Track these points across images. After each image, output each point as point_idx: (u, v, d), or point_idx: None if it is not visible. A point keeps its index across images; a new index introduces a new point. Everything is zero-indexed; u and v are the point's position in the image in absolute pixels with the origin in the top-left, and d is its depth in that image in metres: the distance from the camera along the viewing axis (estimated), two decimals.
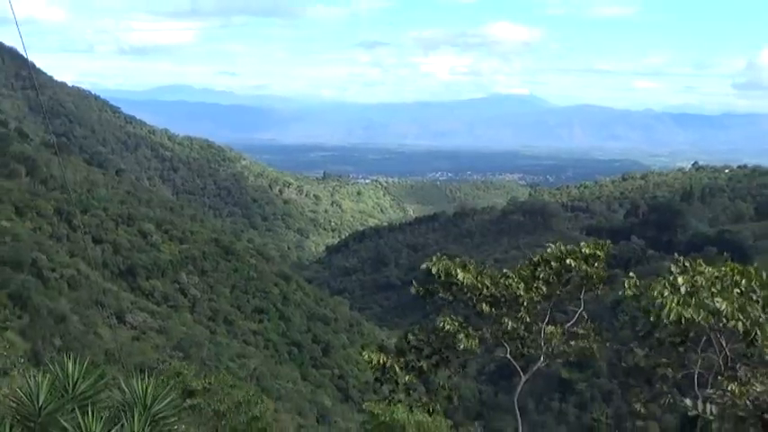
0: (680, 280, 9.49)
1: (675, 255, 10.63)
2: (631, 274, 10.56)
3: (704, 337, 9.53)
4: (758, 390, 7.97)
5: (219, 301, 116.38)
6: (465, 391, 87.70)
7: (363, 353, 12.65)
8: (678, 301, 9.05)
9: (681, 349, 10.26)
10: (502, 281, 12.26)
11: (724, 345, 9.49)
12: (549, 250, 12.42)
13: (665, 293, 9.24)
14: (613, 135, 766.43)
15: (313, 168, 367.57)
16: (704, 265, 10.21)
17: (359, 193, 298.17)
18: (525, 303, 12.22)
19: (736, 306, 9.09)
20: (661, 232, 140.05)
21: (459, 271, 12.02)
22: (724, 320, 9.07)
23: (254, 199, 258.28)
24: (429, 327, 12.89)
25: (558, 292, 12.58)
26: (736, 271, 9.98)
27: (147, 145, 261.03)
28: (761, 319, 9.34)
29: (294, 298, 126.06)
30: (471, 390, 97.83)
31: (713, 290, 9.52)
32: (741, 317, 8.96)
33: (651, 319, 9.33)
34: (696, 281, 9.62)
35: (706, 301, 9.17)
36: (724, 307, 9.00)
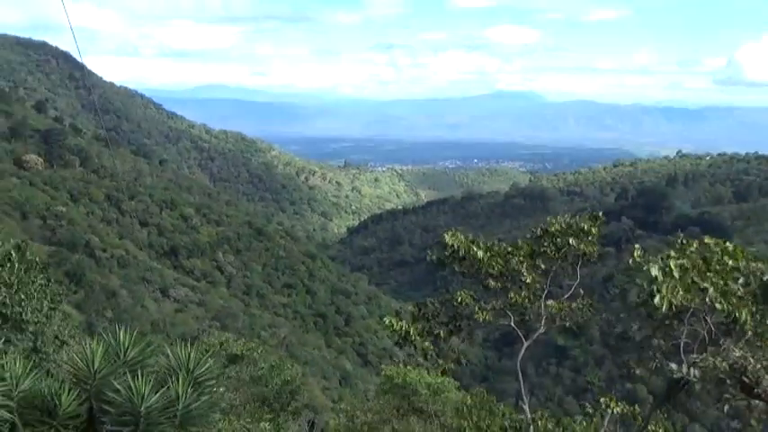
0: (672, 264, 9.35)
1: (679, 232, 10.44)
2: (637, 245, 10.35)
3: (691, 310, 9.43)
4: (737, 354, 7.93)
5: (252, 277, 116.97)
6: (472, 357, 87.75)
7: (385, 319, 12.58)
8: (669, 287, 8.91)
9: (669, 323, 10.14)
10: (509, 257, 12.16)
11: (709, 321, 9.39)
12: (552, 222, 12.25)
13: (658, 278, 9.11)
14: (605, 127, 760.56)
15: (335, 158, 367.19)
16: (695, 245, 10.05)
17: (376, 180, 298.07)
18: (529, 281, 12.15)
19: (720, 290, 8.97)
20: (648, 214, 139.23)
21: (474, 248, 11.93)
22: (708, 303, 8.96)
23: (283, 185, 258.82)
24: (441, 298, 12.84)
25: (554, 268, 12.48)
26: (723, 251, 9.83)
27: (187, 138, 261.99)
28: (739, 293, 9.24)
29: (319, 274, 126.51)
30: (478, 355, 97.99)
31: (698, 272, 9.38)
32: (723, 300, 8.85)
33: (644, 291, 9.20)
34: (683, 264, 9.49)
35: (695, 279, 9.05)
36: (711, 292, 8.89)
